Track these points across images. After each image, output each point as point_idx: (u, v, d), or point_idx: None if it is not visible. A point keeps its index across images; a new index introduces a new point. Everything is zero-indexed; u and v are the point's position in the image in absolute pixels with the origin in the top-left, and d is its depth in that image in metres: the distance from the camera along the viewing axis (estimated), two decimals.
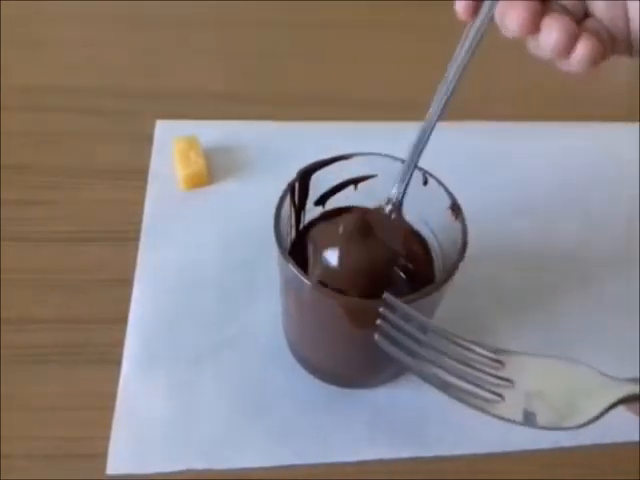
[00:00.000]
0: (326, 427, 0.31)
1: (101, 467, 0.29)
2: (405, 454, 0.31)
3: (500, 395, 0.21)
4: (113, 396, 0.31)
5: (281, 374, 0.33)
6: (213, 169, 0.43)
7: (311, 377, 0.33)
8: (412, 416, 0.32)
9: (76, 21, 0.56)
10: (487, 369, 0.22)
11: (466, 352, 0.22)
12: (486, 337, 0.35)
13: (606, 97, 0.55)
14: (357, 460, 0.30)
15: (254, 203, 0.40)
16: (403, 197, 0.28)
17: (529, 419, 0.21)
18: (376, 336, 0.23)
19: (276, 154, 0.44)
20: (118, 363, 0.33)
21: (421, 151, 0.27)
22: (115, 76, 0.50)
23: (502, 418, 0.21)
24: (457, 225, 0.28)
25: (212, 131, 0.45)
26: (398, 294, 0.33)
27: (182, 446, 0.30)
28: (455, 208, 0.28)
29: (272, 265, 0.29)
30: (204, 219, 0.40)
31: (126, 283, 0.36)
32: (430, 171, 0.30)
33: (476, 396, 0.21)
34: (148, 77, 0.51)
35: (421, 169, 0.30)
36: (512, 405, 0.21)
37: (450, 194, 0.29)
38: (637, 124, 0.49)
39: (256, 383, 0.33)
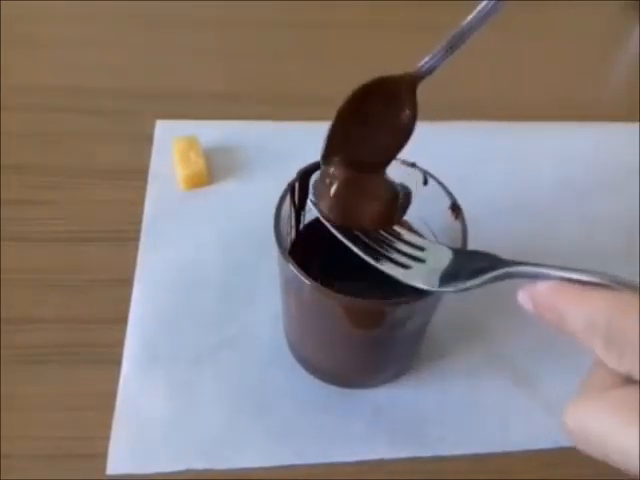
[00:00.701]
0: (326, 427, 0.31)
1: (101, 467, 0.29)
2: (405, 454, 0.31)
3: (408, 266, 0.25)
4: (113, 396, 0.31)
5: (281, 374, 0.33)
6: (213, 169, 0.43)
7: (311, 377, 0.33)
8: (412, 416, 0.32)
9: (76, 21, 0.56)
10: (408, 250, 0.26)
11: (395, 238, 0.27)
12: (485, 337, 0.36)
13: (606, 97, 0.55)
14: (357, 460, 0.30)
15: (254, 203, 0.40)
16: (432, 70, 0.26)
17: (419, 282, 0.24)
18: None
19: (276, 154, 0.44)
20: (118, 363, 0.33)
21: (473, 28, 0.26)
22: (115, 76, 0.51)
23: (400, 279, 0.25)
24: (457, 225, 0.28)
25: (212, 131, 0.45)
26: (398, 294, 0.33)
27: (182, 446, 0.30)
28: (455, 208, 0.28)
29: (272, 265, 0.29)
30: (204, 219, 0.40)
31: (126, 283, 0.36)
32: (430, 171, 0.30)
33: (390, 263, 0.26)
34: (148, 77, 0.51)
35: (421, 169, 0.30)
36: (418, 274, 0.25)
37: (450, 194, 0.29)
38: (637, 124, 0.49)
39: (256, 383, 0.33)
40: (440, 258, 0.25)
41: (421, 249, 0.26)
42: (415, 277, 0.24)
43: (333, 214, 0.26)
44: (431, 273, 0.24)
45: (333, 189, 0.26)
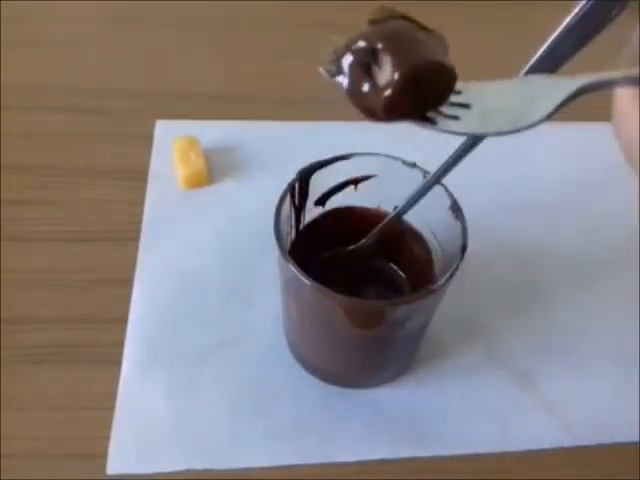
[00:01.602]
0: (326, 427, 0.31)
1: (101, 467, 0.29)
2: (405, 454, 0.31)
3: (455, 116, 0.21)
4: (113, 396, 0.31)
5: (281, 374, 0.33)
6: (213, 169, 0.43)
7: (311, 377, 0.33)
8: (412, 416, 0.32)
9: (76, 21, 0.56)
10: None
11: None
12: (485, 337, 0.36)
13: (606, 97, 0.55)
14: (357, 460, 0.30)
15: (254, 203, 0.40)
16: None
17: (482, 128, 0.21)
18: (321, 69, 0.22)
19: (276, 154, 0.44)
20: (118, 363, 0.33)
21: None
22: (115, 76, 0.50)
23: (457, 133, 0.21)
24: (457, 225, 0.28)
25: (212, 131, 0.45)
26: (398, 294, 0.34)
27: (182, 446, 0.30)
28: (455, 208, 0.28)
29: (272, 265, 0.29)
30: (204, 219, 0.40)
31: (126, 283, 0.36)
32: (430, 171, 0.29)
33: (433, 120, 0.21)
34: (148, 77, 0.51)
35: (421, 169, 0.30)
36: (468, 122, 0.21)
37: (450, 194, 0.29)
38: None
39: (256, 383, 0.33)
40: (484, 96, 0.21)
41: (458, 92, 0.22)
42: (468, 125, 0.21)
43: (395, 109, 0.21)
44: (485, 118, 0.21)
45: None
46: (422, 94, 0.21)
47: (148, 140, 0.45)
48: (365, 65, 0.21)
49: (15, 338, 0.33)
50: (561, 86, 0.20)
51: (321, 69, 0.23)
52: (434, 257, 0.31)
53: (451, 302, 0.30)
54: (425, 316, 0.30)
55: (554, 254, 0.40)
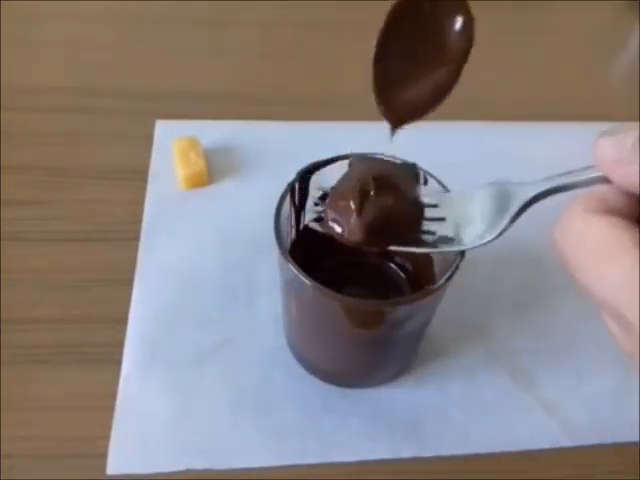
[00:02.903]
0: (326, 427, 0.31)
1: (101, 467, 0.29)
2: (405, 454, 0.31)
3: (432, 232, 0.25)
4: (113, 396, 0.31)
5: (281, 374, 0.33)
6: (213, 169, 0.43)
7: (311, 377, 0.33)
8: (412, 416, 0.32)
9: (76, 21, 0.56)
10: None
11: None
12: (485, 337, 0.36)
13: (606, 97, 0.55)
14: (357, 460, 0.30)
15: (254, 203, 0.40)
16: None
17: (453, 243, 0.25)
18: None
19: (276, 154, 0.44)
20: (118, 363, 0.33)
21: None
22: (115, 76, 0.51)
23: (433, 251, 0.26)
24: None
25: (212, 131, 0.45)
26: (398, 294, 0.34)
27: (182, 446, 0.30)
28: None
29: (272, 265, 0.29)
30: (204, 219, 0.40)
31: (126, 283, 0.36)
32: (430, 171, 0.30)
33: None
34: (148, 77, 0.51)
35: (421, 169, 0.30)
36: (442, 237, 0.25)
37: None
38: (637, 124, 0.49)
39: (256, 383, 0.33)
40: (457, 209, 0.25)
41: (434, 206, 0.26)
42: (443, 242, 0.25)
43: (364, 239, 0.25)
44: (457, 230, 0.25)
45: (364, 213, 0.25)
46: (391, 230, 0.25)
47: (148, 140, 0.45)
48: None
49: (15, 338, 0.33)
50: (516, 195, 0.24)
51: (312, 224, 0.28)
52: (434, 257, 0.31)
53: (451, 302, 0.30)
54: (425, 316, 0.30)
55: (555, 254, 0.40)
